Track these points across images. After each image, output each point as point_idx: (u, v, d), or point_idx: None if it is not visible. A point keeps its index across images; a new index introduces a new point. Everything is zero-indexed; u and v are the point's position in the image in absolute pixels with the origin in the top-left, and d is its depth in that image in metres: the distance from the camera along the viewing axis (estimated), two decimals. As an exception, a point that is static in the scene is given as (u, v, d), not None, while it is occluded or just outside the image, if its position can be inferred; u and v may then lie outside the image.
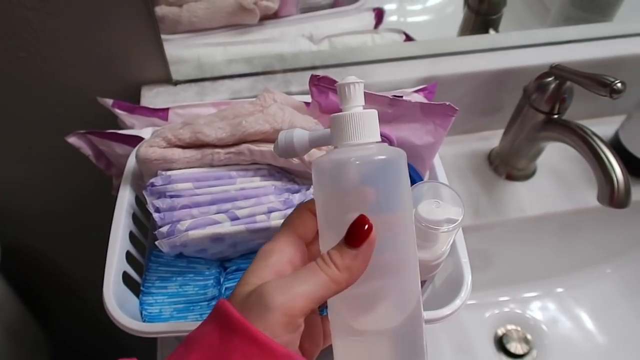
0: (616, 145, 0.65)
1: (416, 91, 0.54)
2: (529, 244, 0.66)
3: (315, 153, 0.42)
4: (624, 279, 0.69)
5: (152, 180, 0.42)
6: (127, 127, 0.53)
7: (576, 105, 0.57)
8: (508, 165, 0.64)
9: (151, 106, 0.53)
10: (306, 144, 0.32)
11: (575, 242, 0.67)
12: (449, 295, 0.41)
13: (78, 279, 0.89)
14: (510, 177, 0.65)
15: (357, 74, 0.60)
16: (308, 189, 0.43)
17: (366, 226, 0.27)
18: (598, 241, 0.68)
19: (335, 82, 0.46)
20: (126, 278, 0.43)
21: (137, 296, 0.43)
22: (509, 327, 0.66)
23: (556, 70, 0.54)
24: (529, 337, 0.65)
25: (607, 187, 0.48)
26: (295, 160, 0.42)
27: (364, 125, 0.28)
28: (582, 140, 0.51)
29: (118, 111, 0.53)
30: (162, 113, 0.53)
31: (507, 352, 0.64)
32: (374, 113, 0.29)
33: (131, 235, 0.45)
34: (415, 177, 0.44)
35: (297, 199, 0.42)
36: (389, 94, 0.46)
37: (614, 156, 0.49)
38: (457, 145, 0.67)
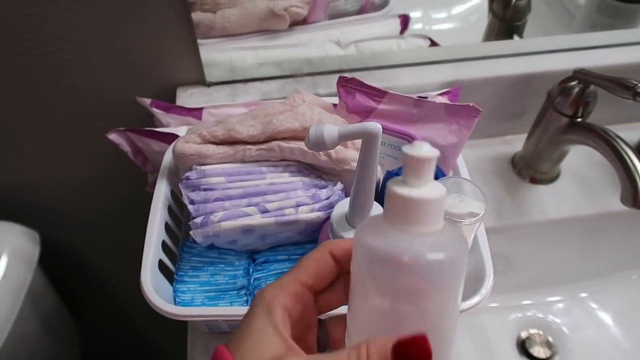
0: (642, 150, 0.65)
1: (440, 94, 0.56)
2: (552, 247, 0.66)
3: (341, 150, 0.44)
4: (650, 285, 0.69)
5: (187, 174, 0.45)
6: (163, 126, 0.56)
7: (601, 111, 0.57)
8: (531, 168, 0.65)
9: (186, 106, 0.56)
10: (336, 138, 0.35)
11: (600, 246, 0.67)
12: (470, 289, 0.42)
13: (109, 277, 0.92)
14: (534, 181, 0.65)
15: (383, 77, 0.63)
16: (335, 184, 0.45)
17: (424, 352, 0.22)
18: (623, 246, 0.68)
19: (362, 83, 0.48)
20: (161, 267, 0.45)
21: (171, 284, 0.46)
22: (532, 331, 0.66)
23: (580, 74, 0.55)
24: (551, 341, 0.65)
25: (631, 187, 0.48)
26: (323, 157, 0.44)
27: (432, 211, 0.23)
28: (605, 142, 0.51)
29: (155, 110, 0.55)
30: (196, 112, 0.55)
31: (530, 356, 0.64)
32: (443, 196, 0.23)
33: (166, 227, 0.47)
34: (439, 175, 0.45)
35: (324, 194, 0.44)
36: (414, 96, 0.48)
37: (638, 157, 0.49)
38: (480, 149, 0.68)
